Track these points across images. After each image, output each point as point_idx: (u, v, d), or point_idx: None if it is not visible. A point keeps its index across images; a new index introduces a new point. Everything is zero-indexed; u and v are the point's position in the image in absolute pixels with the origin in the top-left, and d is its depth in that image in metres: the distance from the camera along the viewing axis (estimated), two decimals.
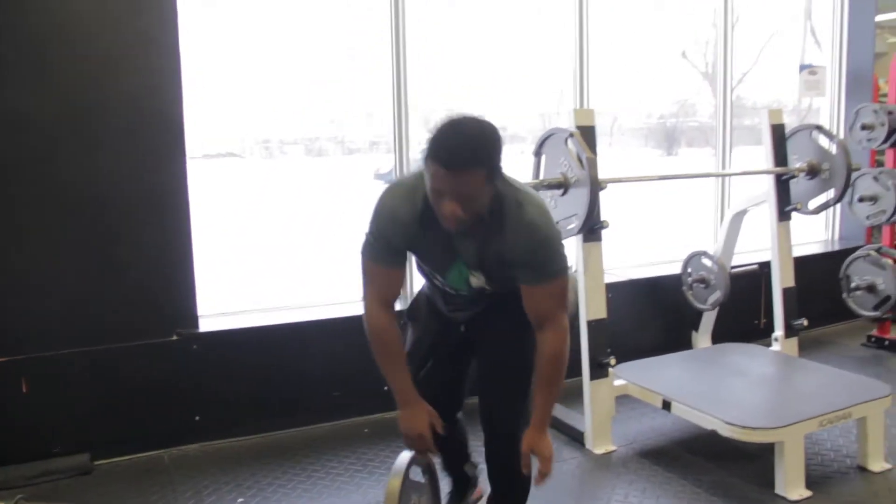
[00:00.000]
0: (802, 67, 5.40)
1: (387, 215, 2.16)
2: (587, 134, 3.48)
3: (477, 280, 2.22)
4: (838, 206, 4.97)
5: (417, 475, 2.53)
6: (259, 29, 4.62)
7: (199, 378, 3.65)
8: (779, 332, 4.27)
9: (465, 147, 1.91)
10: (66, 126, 3.34)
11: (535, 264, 2.10)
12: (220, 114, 4.95)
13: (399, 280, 2.25)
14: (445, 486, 2.88)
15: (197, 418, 3.66)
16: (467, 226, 2.02)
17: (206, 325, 3.76)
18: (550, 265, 2.12)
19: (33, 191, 3.33)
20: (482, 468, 2.72)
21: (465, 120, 1.98)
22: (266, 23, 4.62)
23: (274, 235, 7.41)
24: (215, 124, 5.10)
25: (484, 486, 2.81)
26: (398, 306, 2.42)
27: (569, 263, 2.20)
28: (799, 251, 4.79)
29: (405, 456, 2.41)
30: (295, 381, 3.83)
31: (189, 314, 3.67)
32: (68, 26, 3.31)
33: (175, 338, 3.61)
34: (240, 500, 3.16)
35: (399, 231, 2.14)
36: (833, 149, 4.24)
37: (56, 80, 3.31)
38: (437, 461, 2.76)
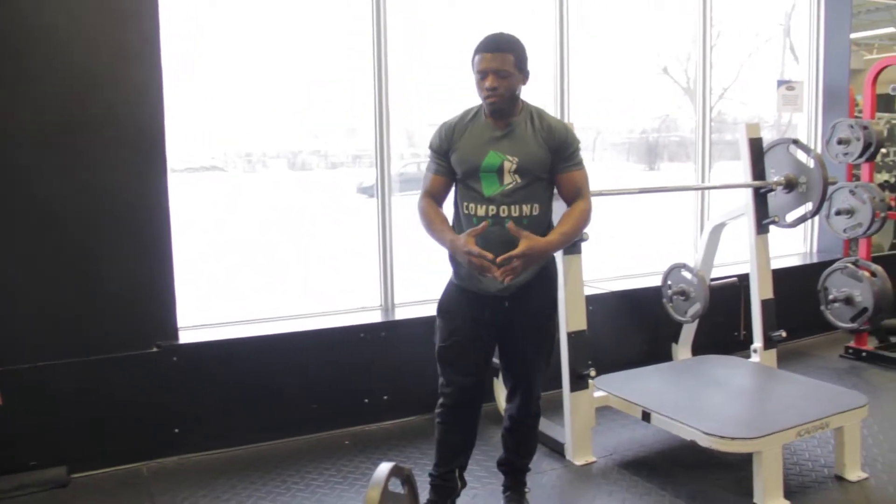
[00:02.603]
0: (780, 83, 5.47)
1: (442, 127, 2.82)
2: None
3: (510, 164, 2.68)
4: (816, 219, 5.04)
5: (397, 486, 2.53)
6: (241, 41, 4.62)
7: (178, 390, 3.64)
8: (758, 343, 4.30)
9: (499, 38, 2.68)
10: (43, 139, 3.34)
11: (570, 154, 2.74)
12: (203, 127, 4.94)
13: (442, 185, 2.83)
14: (425, 494, 2.91)
15: (176, 431, 3.64)
16: (504, 104, 2.66)
17: (186, 337, 3.75)
18: (578, 157, 2.77)
19: (10, 203, 3.31)
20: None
21: (500, 30, 2.72)
22: (248, 35, 4.62)
23: (256, 248, 7.39)
24: (198, 137, 5.09)
25: None
26: None
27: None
28: (777, 263, 4.84)
29: (385, 467, 2.40)
30: (275, 393, 3.82)
31: (169, 326, 3.66)
32: (46, 39, 3.31)
33: (155, 350, 3.60)
34: None
35: (447, 135, 2.79)
36: (810, 163, 4.30)
37: (34, 93, 3.31)
38: (416, 472, 2.79)
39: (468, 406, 2.94)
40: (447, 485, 2.98)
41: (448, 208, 2.88)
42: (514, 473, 3.09)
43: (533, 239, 2.59)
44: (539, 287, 2.81)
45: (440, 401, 2.93)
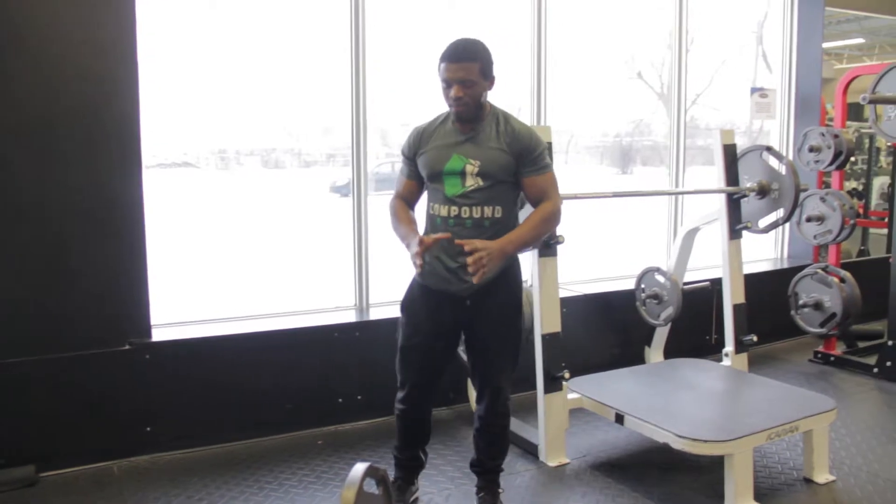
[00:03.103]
0: (753, 90, 5.53)
1: (413, 132, 2.91)
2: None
3: (472, 167, 2.74)
4: (787, 225, 5.10)
5: (371, 487, 2.52)
6: (215, 36, 4.58)
7: (151, 388, 3.60)
8: (729, 347, 4.35)
9: (464, 47, 2.70)
10: (18, 132, 3.28)
11: (534, 158, 2.77)
12: (175, 123, 4.89)
13: (413, 188, 2.94)
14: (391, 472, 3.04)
15: (148, 429, 3.60)
16: (470, 112, 2.72)
17: (159, 334, 3.71)
18: (543, 160, 2.81)
19: None
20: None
21: (465, 37, 2.75)
22: (223, 31, 4.59)
23: (229, 246, 7.35)
24: (170, 133, 5.04)
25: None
26: None
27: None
28: (749, 269, 4.89)
29: (360, 468, 2.40)
30: (248, 392, 3.80)
31: (142, 323, 3.62)
32: (24, 33, 3.26)
33: (127, 347, 3.56)
34: None
35: (416, 140, 2.88)
36: (782, 169, 4.35)
37: (10, 87, 3.25)
38: (392, 465, 2.80)
39: (424, 403, 3.07)
40: (412, 464, 3.17)
41: (421, 209, 2.96)
42: (486, 474, 3.11)
43: (486, 243, 2.63)
44: (501, 287, 2.85)
45: (399, 396, 3.04)
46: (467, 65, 2.68)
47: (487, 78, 2.75)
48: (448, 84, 2.71)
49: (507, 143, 2.76)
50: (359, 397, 4.02)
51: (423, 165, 2.85)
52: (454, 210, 2.76)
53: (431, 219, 2.87)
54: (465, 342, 3.04)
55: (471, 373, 3.08)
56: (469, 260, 2.58)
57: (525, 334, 3.86)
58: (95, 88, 3.41)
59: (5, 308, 3.33)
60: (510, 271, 2.89)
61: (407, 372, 2.99)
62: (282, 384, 3.87)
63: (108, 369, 3.52)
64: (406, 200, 2.95)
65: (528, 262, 3.71)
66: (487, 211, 2.76)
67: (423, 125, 2.91)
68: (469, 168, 2.74)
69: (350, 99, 4.24)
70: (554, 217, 2.84)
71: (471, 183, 2.75)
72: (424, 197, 2.96)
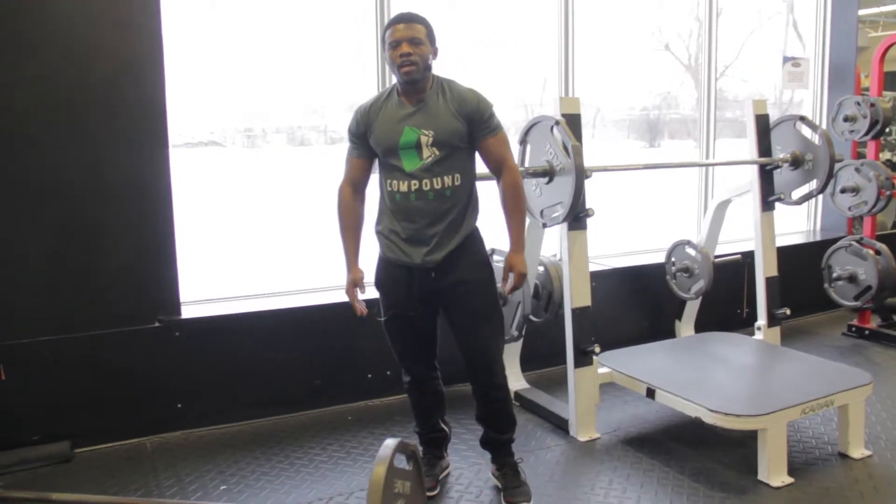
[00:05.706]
0: (786, 59, 5.42)
1: (357, 111, 2.85)
2: (573, 122, 3.47)
3: (426, 138, 2.72)
4: (820, 196, 5.01)
5: (402, 462, 2.52)
6: (239, 15, 4.56)
7: (181, 365, 3.62)
8: (762, 321, 4.29)
9: (409, 12, 2.76)
10: (44, 109, 3.29)
11: (485, 120, 2.78)
12: (201, 103, 4.89)
13: (363, 168, 2.89)
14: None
15: (179, 406, 3.63)
16: (418, 72, 2.70)
17: (188, 312, 3.73)
18: (493, 120, 2.81)
19: (11, 175, 3.27)
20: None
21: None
22: (246, 10, 4.56)
23: (257, 223, 7.35)
24: (197, 113, 5.04)
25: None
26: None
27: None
28: (781, 241, 4.82)
29: (390, 443, 2.39)
30: (278, 368, 3.81)
31: (171, 301, 3.64)
32: (48, 8, 3.25)
33: (157, 324, 3.58)
34: (222, 487, 3.13)
35: (363, 118, 2.82)
36: (816, 139, 4.26)
37: (35, 63, 3.25)
38: (417, 443, 2.80)
39: (425, 371, 3.06)
40: (436, 436, 3.17)
41: (372, 190, 2.95)
42: (501, 449, 3.09)
43: (512, 262, 2.85)
44: (465, 257, 2.83)
45: (402, 371, 3.07)
46: (415, 25, 2.72)
47: (433, 44, 2.78)
48: (396, 44, 2.71)
49: (456, 108, 2.75)
50: (388, 373, 4.02)
51: (375, 143, 2.81)
52: (415, 184, 2.74)
53: (390, 196, 2.81)
54: (446, 320, 2.95)
55: (460, 352, 2.96)
56: (508, 287, 2.84)
57: (554, 308, 3.87)
58: (121, 67, 3.40)
59: (37, 287, 3.36)
60: (472, 241, 2.87)
61: (395, 345, 2.99)
62: (311, 360, 3.89)
63: (139, 346, 3.54)
64: (357, 183, 2.90)
65: (556, 235, 3.68)
66: (447, 180, 2.75)
67: (367, 103, 2.86)
68: (424, 139, 2.72)
69: (376, 74, 4.21)
70: (520, 187, 2.86)
71: (428, 154, 2.73)
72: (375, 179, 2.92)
